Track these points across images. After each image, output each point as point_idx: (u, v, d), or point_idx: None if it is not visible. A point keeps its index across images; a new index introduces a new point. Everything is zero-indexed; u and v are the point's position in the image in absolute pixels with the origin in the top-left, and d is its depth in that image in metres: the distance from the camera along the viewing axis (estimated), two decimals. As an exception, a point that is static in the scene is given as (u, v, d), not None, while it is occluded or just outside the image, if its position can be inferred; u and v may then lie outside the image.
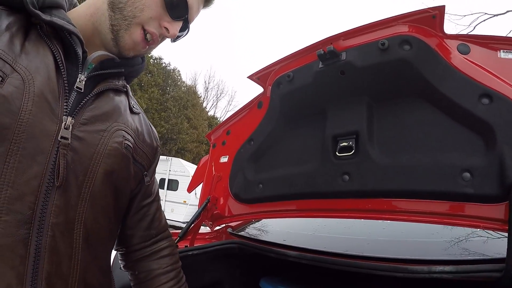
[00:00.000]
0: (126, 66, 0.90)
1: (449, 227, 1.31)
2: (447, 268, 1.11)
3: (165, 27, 0.86)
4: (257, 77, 1.76)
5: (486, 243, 1.42)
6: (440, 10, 1.21)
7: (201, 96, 30.29)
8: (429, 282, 1.13)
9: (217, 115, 32.17)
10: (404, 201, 1.26)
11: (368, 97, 1.39)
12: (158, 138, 1.07)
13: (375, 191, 1.31)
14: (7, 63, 0.66)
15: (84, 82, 0.78)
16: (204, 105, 30.83)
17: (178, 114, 22.76)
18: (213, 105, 32.94)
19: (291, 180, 1.59)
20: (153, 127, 1.06)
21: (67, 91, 0.74)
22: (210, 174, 2.05)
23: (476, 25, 9.95)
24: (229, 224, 2.15)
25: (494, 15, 9.67)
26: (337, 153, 1.42)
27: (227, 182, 1.92)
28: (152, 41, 0.88)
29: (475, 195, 1.12)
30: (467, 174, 1.13)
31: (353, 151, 1.37)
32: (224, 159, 1.99)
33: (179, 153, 22.17)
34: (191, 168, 13.81)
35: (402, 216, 1.26)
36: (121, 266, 1.08)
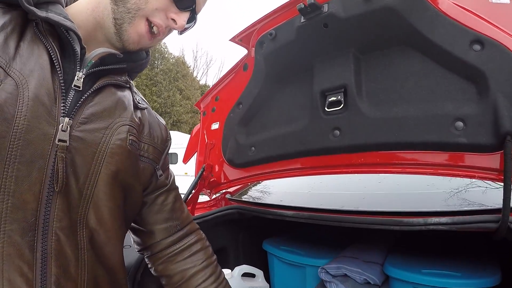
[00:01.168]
0: (128, 62, 0.87)
1: (444, 177, 1.31)
2: (443, 219, 1.11)
3: (172, 19, 0.83)
4: (239, 39, 1.71)
5: (483, 192, 1.42)
6: (425, -50, 1.14)
7: (190, 66, 29.91)
8: (427, 233, 1.14)
9: (209, 83, 31.83)
10: (397, 153, 1.25)
11: (354, 49, 1.34)
12: (167, 130, 1.03)
13: (367, 144, 1.30)
14: (1, 67, 0.64)
15: (82, 80, 0.75)
16: (195, 74, 30.47)
17: (169, 87, 22.55)
18: (204, 73, 32.64)
19: (283, 140, 1.58)
20: (161, 119, 1.03)
21: (63, 90, 0.71)
22: (203, 143, 2.05)
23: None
24: (227, 190, 2.16)
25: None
26: (326, 108, 1.40)
27: (221, 149, 1.91)
28: (158, 34, 0.84)
29: (469, 145, 1.10)
30: (460, 123, 1.11)
31: (342, 105, 1.35)
32: (215, 126, 1.97)
33: (175, 126, 22.13)
34: (188, 139, 13.82)
35: (396, 169, 1.26)
36: (152, 271, 1.02)
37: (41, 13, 0.69)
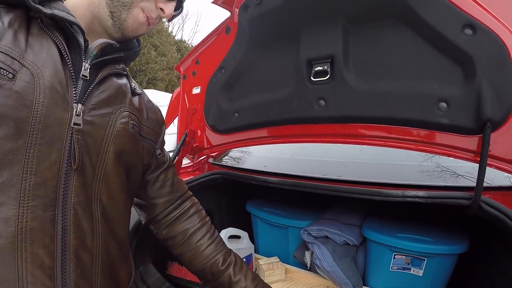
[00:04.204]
0: (125, 51, 0.95)
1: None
2: (420, 193, 1.19)
3: (160, 8, 0.92)
4: (222, 1, 1.64)
5: (458, 169, 1.50)
6: None
7: (165, 21, 28.46)
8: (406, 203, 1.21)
9: (185, 38, 30.62)
10: (381, 127, 1.27)
11: (344, 18, 1.31)
12: (162, 112, 1.15)
13: (352, 116, 1.31)
14: (15, 59, 0.70)
15: (88, 70, 0.83)
16: (170, 29, 29.16)
17: (143, 43, 21.49)
18: (180, 29, 31.25)
19: (267, 107, 1.58)
20: (155, 104, 1.13)
21: (74, 79, 0.79)
22: (184, 107, 2.01)
23: None
24: (210, 154, 2.17)
25: None
26: (312, 77, 1.38)
27: (203, 114, 1.90)
28: (151, 23, 0.94)
29: (450, 126, 1.14)
30: (444, 104, 1.13)
31: (329, 75, 1.34)
32: (196, 90, 1.94)
33: (151, 84, 21.48)
34: (164, 97, 13.54)
35: (378, 142, 1.29)
36: (157, 238, 1.15)
37: (47, 10, 0.76)
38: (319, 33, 1.36)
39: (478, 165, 1.08)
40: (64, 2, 0.87)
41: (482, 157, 1.06)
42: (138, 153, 0.95)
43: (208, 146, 1.96)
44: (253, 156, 2.22)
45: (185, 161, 2.11)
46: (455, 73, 1.13)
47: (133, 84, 1.01)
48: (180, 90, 2.06)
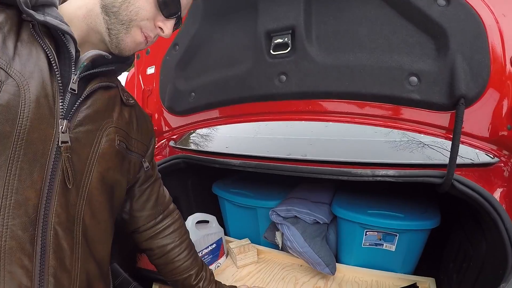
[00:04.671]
0: (117, 63, 0.91)
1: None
2: (390, 172, 1.15)
3: (159, 27, 0.87)
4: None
5: (426, 139, 1.46)
6: None
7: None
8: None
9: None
10: (347, 103, 1.21)
11: None
12: (152, 124, 1.13)
13: (315, 92, 1.24)
14: (2, 68, 0.67)
15: (77, 83, 0.79)
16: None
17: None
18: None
19: (224, 85, 1.49)
20: (146, 115, 1.10)
21: (61, 93, 0.75)
22: (139, 89, 1.88)
23: None
24: (171, 137, 2.06)
25: None
26: (271, 51, 1.29)
27: (159, 95, 1.78)
28: (149, 41, 0.90)
29: (421, 101, 1.09)
30: (414, 79, 1.08)
31: (289, 48, 1.25)
32: (151, 70, 1.81)
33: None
34: (124, 77, 13.12)
35: (345, 118, 1.23)
36: (139, 247, 1.17)
37: (40, 16, 0.72)
38: (278, 2, 1.26)
39: (450, 141, 1.04)
40: (60, 6, 0.83)
41: (455, 135, 1.02)
42: (124, 169, 0.94)
43: (167, 129, 1.87)
44: (215, 136, 2.13)
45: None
46: (427, 46, 1.08)
47: (125, 95, 0.97)
48: (135, 71, 1.93)
